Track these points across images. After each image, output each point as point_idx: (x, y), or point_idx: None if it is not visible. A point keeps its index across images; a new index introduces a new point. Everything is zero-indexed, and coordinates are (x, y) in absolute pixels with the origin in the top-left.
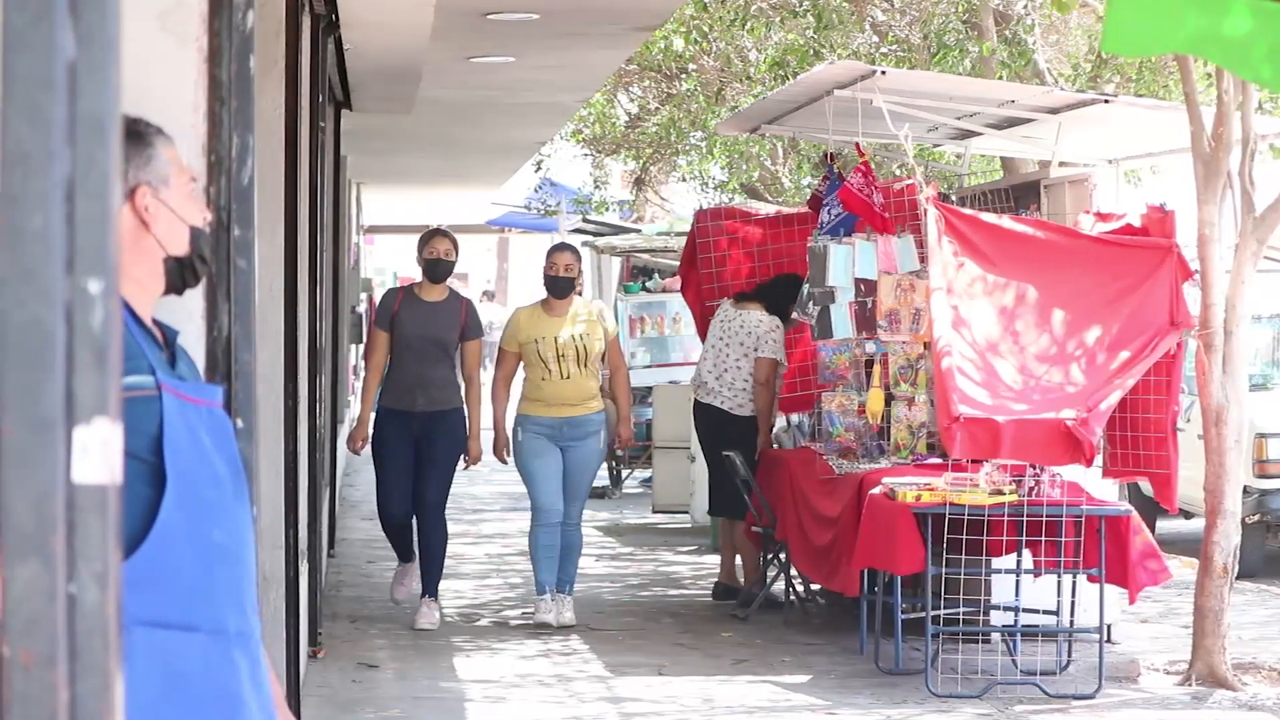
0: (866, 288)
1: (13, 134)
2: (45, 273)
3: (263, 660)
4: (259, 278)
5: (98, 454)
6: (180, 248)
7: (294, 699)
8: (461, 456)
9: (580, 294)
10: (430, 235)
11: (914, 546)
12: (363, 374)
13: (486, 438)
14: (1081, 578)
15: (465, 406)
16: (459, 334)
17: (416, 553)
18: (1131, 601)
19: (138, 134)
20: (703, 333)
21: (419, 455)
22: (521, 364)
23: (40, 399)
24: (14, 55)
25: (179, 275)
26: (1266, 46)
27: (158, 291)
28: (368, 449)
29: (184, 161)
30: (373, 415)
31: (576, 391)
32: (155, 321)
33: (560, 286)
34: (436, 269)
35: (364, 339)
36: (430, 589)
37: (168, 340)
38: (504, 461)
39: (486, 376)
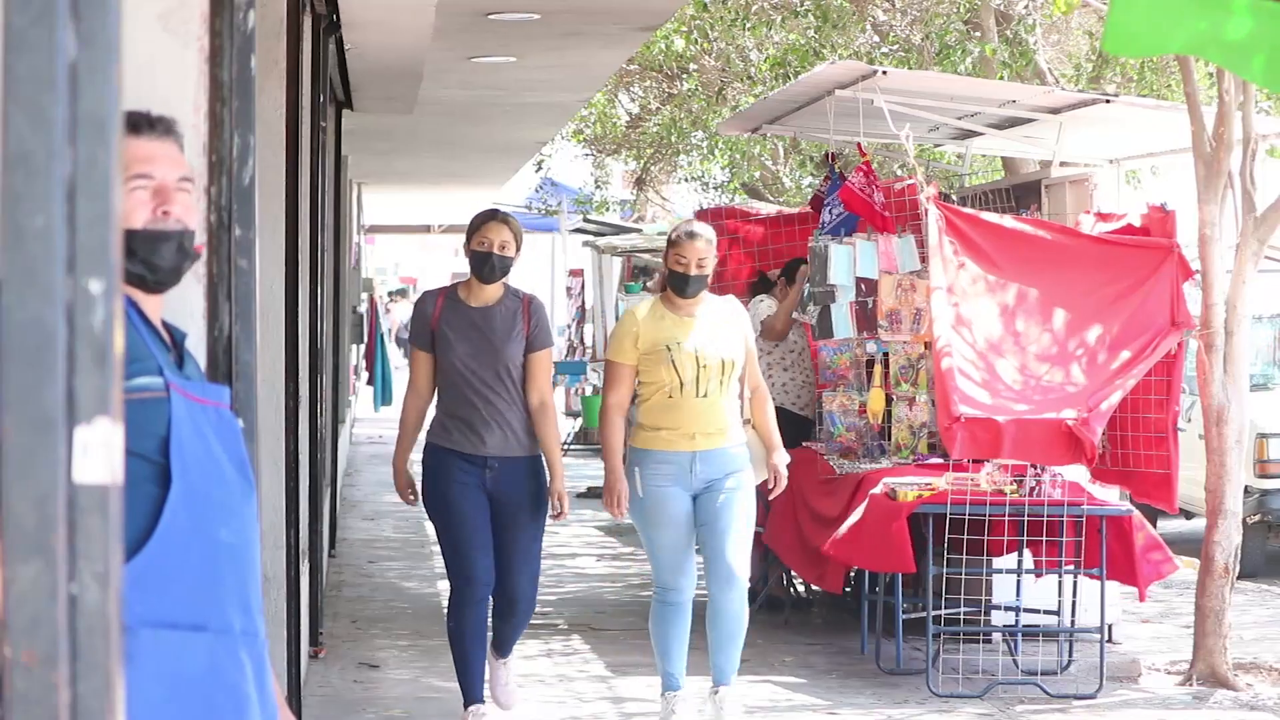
0: (867, 287)
1: (14, 134)
2: (46, 273)
3: (267, 661)
4: (260, 278)
5: (99, 454)
6: (133, 221)
7: (295, 699)
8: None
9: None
10: (482, 220)
11: (903, 547)
12: (406, 398)
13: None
14: (1083, 577)
15: (542, 448)
16: (524, 344)
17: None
18: (1141, 599)
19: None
20: None
21: (494, 517)
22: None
23: (41, 399)
24: (15, 55)
25: (135, 281)
26: (1268, 48)
27: (147, 277)
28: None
29: (147, 159)
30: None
31: (716, 416)
32: (164, 323)
33: (693, 287)
34: (486, 267)
35: (364, 339)
36: (503, 649)
37: (175, 341)
38: (618, 516)
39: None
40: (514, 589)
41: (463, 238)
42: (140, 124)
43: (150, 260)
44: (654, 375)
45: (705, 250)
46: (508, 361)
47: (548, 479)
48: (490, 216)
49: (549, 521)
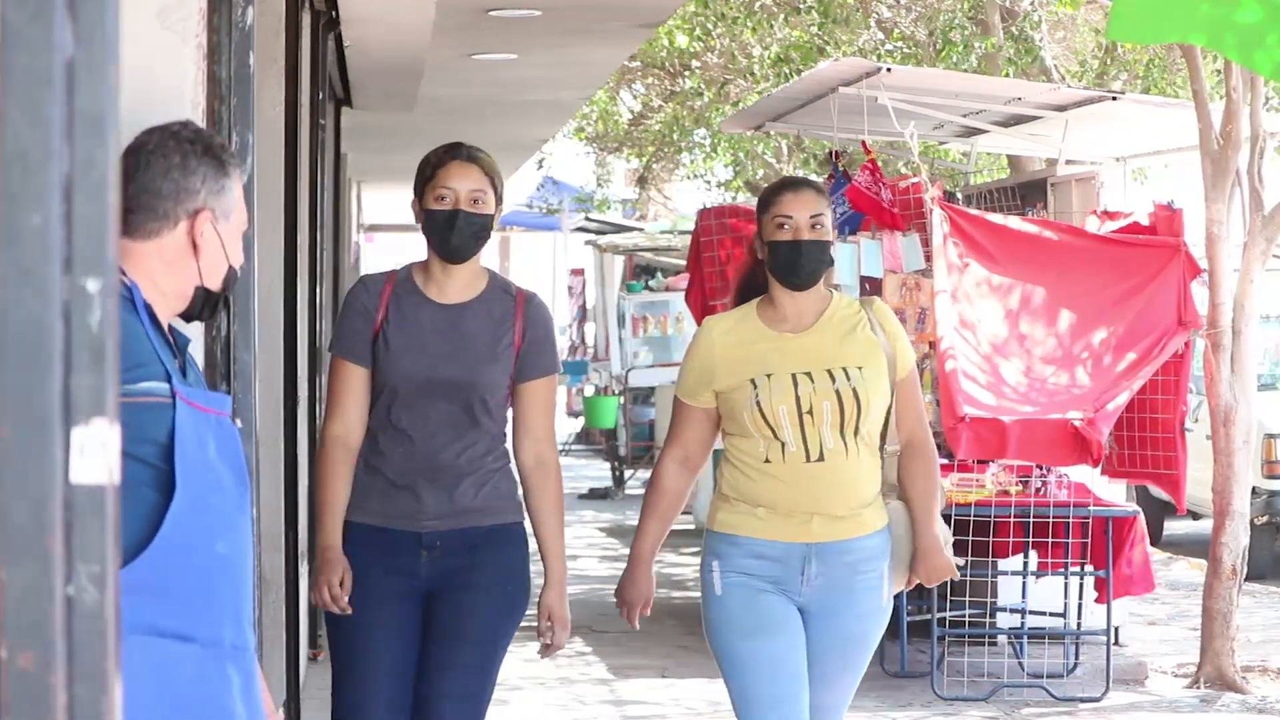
0: (872, 286)
1: (11, 132)
2: (43, 272)
3: (256, 674)
4: (258, 277)
5: (96, 454)
6: (215, 282)
7: (293, 702)
8: (538, 627)
9: (836, 286)
10: (439, 160)
11: None
12: (322, 438)
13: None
14: (1088, 579)
15: (528, 520)
16: (512, 366)
17: None
18: (1100, 600)
19: (220, 161)
20: None
21: (430, 626)
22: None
23: (38, 399)
24: (12, 52)
25: (201, 307)
26: (1276, 37)
27: (177, 309)
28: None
29: (244, 202)
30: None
31: (840, 486)
32: (169, 328)
33: (808, 263)
34: (452, 233)
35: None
36: None
37: (179, 348)
38: (634, 623)
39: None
40: (440, 692)
41: None
42: (238, 165)
43: (230, 301)
44: (738, 424)
45: (818, 205)
46: (484, 391)
47: (526, 574)
48: (451, 154)
49: (522, 644)
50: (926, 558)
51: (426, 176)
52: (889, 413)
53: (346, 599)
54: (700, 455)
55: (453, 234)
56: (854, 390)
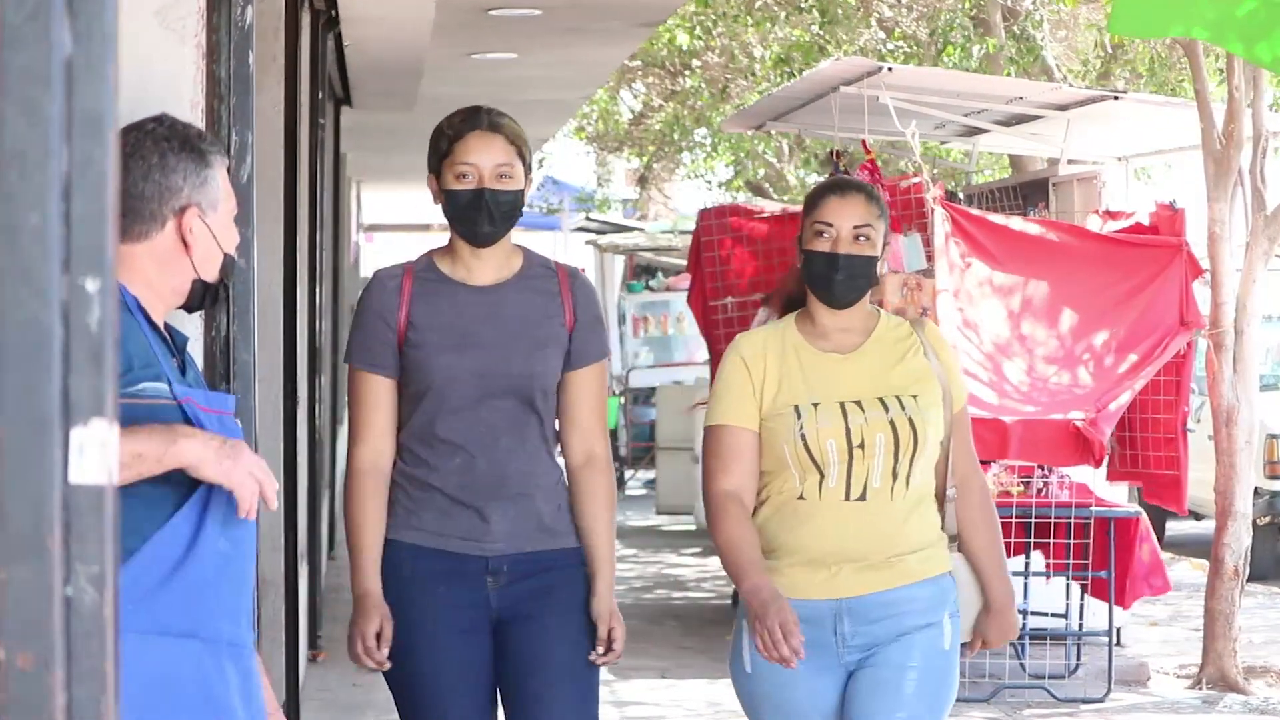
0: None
1: (9, 131)
2: (42, 272)
3: (255, 672)
4: (257, 276)
5: (95, 454)
6: (212, 273)
7: (293, 703)
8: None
9: (880, 304)
10: (457, 131)
11: None
12: (350, 468)
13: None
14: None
15: (580, 524)
16: (563, 351)
17: None
18: (1124, 607)
19: (199, 153)
20: (705, 332)
21: (508, 660)
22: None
23: (37, 399)
24: (10, 51)
25: (201, 297)
26: (1276, 31)
27: (175, 305)
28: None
29: (229, 185)
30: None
31: (876, 530)
32: (166, 326)
33: (846, 280)
34: (480, 215)
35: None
36: None
37: (177, 346)
38: (776, 661)
39: None
40: None
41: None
42: (219, 151)
43: (230, 285)
44: (774, 458)
45: (867, 214)
46: (543, 382)
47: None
48: (469, 123)
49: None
50: (1000, 616)
51: (443, 151)
52: (944, 450)
53: (386, 653)
54: (751, 494)
55: (478, 217)
56: (909, 421)
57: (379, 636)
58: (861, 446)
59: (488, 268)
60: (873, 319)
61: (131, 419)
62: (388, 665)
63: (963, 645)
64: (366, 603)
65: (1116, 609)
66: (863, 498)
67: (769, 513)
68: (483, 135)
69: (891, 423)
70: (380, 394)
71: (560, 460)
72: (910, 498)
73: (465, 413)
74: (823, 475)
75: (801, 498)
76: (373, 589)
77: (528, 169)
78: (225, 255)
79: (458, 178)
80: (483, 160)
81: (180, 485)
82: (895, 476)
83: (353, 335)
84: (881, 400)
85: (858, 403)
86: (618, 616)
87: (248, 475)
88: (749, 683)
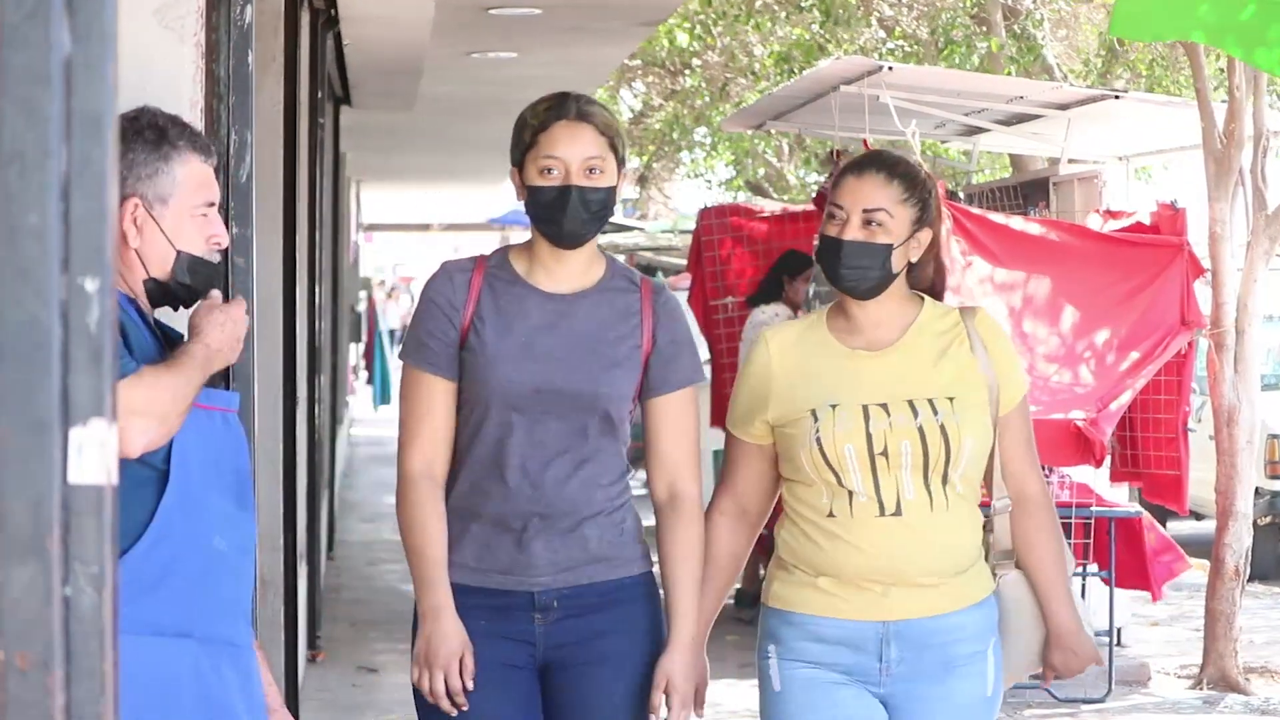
0: None
1: (8, 131)
2: (41, 271)
3: (255, 671)
4: (257, 276)
5: (94, 455)
6: (162, 271)
7: (293, 703)
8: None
9: (929, 292)
10: (543, 120)
11: None
12: (401, 474)
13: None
14: (1091, 580)
15: (661, 571)
16: (639, 374)
17: None
18: (1155, 599)
19: (154, 143)
20: (705, 332)
21: (555, 708)
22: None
23: (36, 399)
24: (10, 51)
25: (159, 296)
26: (1277, 33)
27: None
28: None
29: (209, 184)
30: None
31: (924, 547)
32: (159, 324)
33: (843, 273)
34: (567, 214)
35: (364, 338)
36: None
37: (171, 343)
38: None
39: None
40: None
41: (468, 236)
42: (205, 149)
43: (194, 286)
44: (795, 467)
45: (883, 197)
46: (608, 404)
47: (662, 635)
48: (556, 112)
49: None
50: (1066, 641)
51: (526, 143)
52: (992, 455)
53: (470, 684)
54: (759, 506)
55: (565, 215)
56: (941, 427)
57: (462, 667)
58: (885, 454)
59: (567, 273)
60: (913, 309)
61: None
62: (466, 706)
63: (1033, 677)
64: (441, 625)
65: (1118, 608)
66: (898, 512)
67: (801, 529)
68: (570, 125)
69: (920, 429)
70: (435, 397)
71: (627, 490)
72: (955, 509)
73: (519, 430)
74: (850, 491)
75: (832, 515)
76: (444, 603)
77: (621, 163)
78: (181, 254)
79: (542, 172)
80: (570, 153)
81: (161, 466)
82: (930, 487)
83: (410, 329)
84: (911, 404)
85: (883, 405)
86: (681, 688)
87: (237, 342)
88: (777, 702)
